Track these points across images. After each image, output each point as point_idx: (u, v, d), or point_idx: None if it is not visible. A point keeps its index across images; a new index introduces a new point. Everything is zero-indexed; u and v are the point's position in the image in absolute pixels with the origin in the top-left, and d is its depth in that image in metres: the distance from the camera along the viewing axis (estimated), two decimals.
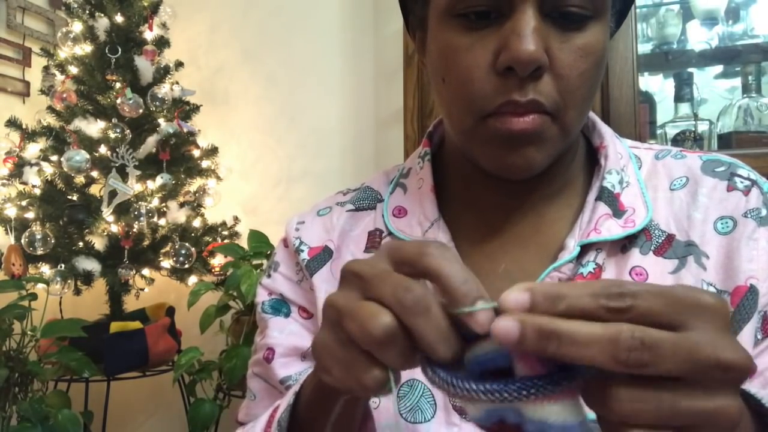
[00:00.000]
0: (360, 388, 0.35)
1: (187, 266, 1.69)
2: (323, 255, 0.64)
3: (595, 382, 0.30)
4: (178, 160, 1.78)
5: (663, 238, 0.56)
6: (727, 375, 0.29)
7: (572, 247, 0.55)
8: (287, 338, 0.63)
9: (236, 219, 1.92)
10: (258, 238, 1.60)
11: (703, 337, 0.29)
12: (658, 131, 1.58)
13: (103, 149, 1.63)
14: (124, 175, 1.64)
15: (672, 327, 0.30)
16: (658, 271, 0.54)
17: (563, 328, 0.30)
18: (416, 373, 0.35)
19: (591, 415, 0.32)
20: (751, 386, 0.50)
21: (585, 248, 0.55)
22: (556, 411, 0.31)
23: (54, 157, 1.62)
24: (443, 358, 0.33)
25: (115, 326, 1.58)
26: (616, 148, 0.61)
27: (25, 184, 1.59)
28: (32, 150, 1.63)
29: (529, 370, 0.31)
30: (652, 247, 0.55)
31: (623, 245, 0.56)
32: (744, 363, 0.30)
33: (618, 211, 0.56)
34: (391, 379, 0.35)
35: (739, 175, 0.57)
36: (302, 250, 0.65)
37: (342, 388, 0.37)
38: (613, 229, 0.55)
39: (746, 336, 0.51)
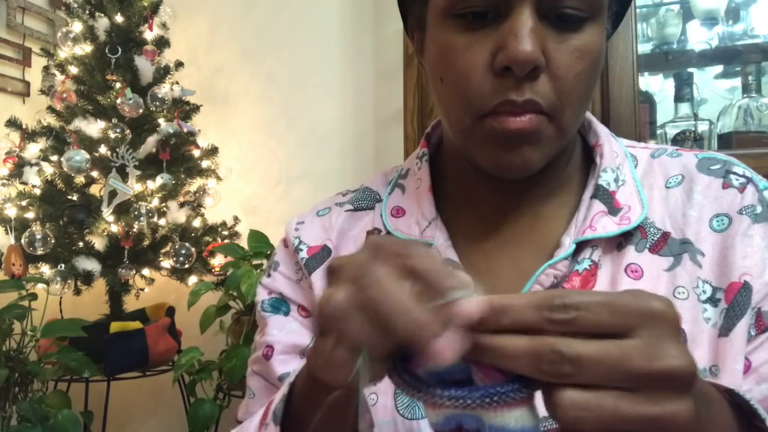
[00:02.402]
0: (329, 375, 0.35)
1: (187, 266, 1.69)
2: (322, 254, 0.64)
3: (545, 389, 0.31)
4: (178, 160, 1.78)
5: (658, 236, 0.56)
6: (668, 382, 0.30)
7: (567, 244, 0.55)
8: (286, 336, 0.64)
9: (236, 219, 1.92)
10: (258, 238, 1.61)
11: (641, 345, 0.30)
12: (658, 131, 1.58)
13: (103, 149, 1.63)
14: (124, 175, 1.64)
15: (617, 335, 0.30)
16: (653, 268, 0.54)
17: (493, 343, 0.31)
18: None
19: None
20: (745, 383, 0.50)
21: (581, 246, 0.55)
22: (516, 417, 0.32)
23: (54, 157, 1.62)
24: (401, 328, 0.32)
25: (115, 326, 1.58)
26: (612, 146, 0.61)
27: (25, 184, 1.59)
28: (32, 150, 1.63)
29: (487, 378, 0.32)
30: (648, 245, 0.56)
31: (619, 243, 0.56)
32: (684, 369, 0.30)
33: (613, 209, 0.57)
34: (360, 363, 0.34)
35: (735, 173, 0.57)
36: (301, 250, 0.65)
37: (327, 382, 0.37)
38: (608, 226, 0.55)
39: (739, 333, 0.51)
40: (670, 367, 0.30)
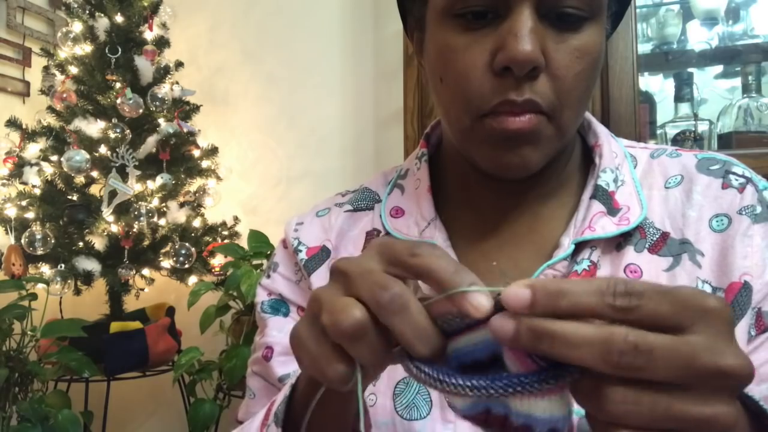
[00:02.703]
0: (324, 380, 0.36)
1: (187, 266, 1.69)
2: (321, 255, 0.64)
3: (588, 380, 0.30)
4: (178, 160, 1.78)
5: (658, 236, 0.56)
6: (726, 381, 0.29)
7: (567, 244, 0.55)
8: (286, 337, 0.63)
9: (236, 219, 1.92)
10: (258, 238, 1.60)
11: (704, 342, 0.29)
12: (658, 131, 1.58)
13: (103, 149, 1.63)
14: (124, 175, 1.64)
15: (675, 329, 0.29)
16: (652, 268, 0.54)
17: (557, 329, 0.29)
18: None
19: (580, 410, 0.32)
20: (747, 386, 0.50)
21: (580, 246, 0.55)
22: (543, 406, 0.31)
23: (54, 157, 1.62)
24: (422, 355, 0.33)
25: (115, 326, 1.58)
26: (611, 147, 0.61)
27: (25, 184, 1.59)
28: (32, 150, 1.63)
29: (518, 364, 0.31)
30: (647, 245, 0.55)
31: (618, 243, 0.56)
32: (744, 370, 0.29)
33: (612, 209, 0.57)
34: (357, 375, 0.35)
35: (734, 173, 0.57)
36: (300, 250, 0.65)
37: (314, 378, 0.37)
38: (607, 226, 0.55)
39: (740, 333, 0.51)
40: (732, 365, 0.29)
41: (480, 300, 0.31)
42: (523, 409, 0.31)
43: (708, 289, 0.53)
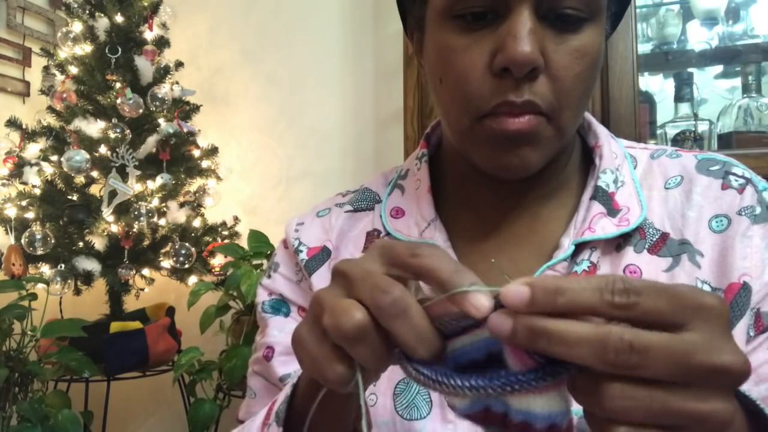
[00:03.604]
0: (324, 382, 0.36)
1: (187, 266, 1.69)
2: (322, 255, 0.64)
3: (586, 377, 0.30)
4: (178, 160, 1.78)
5: (657, 237, 0.56)
6: (722, 379, 0.29)
7: (567, 245, 0.55)
8: (287, 337, 0.64)
9: (236, 219, 1.92)
10: (258, 238, 1.61)
11: (700, 339, 0.29)
12: (658, 131, 1.58)
13: (103, 149, 1.63)
14: (124, 175, 1.64)
15: (672, 326, 0.29)
16: (652, 269, 0.55)
17: (553, 327, 0.30)
18: None
19: (579, 410, 0.32)
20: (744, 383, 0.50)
21: (580, 247, 0.56)
22: (541, 403, 0.31)
23: (54, 157, 1.62)
24: (421, 358, 0.33)
25: (115, 326, 1.58)
26: (611, 147, 0.61)
27: (25, 184, 1.59)
28: (32, 150, 1.63)
29: (517, 360, 0.32)
30: (647, 246, 0.56)
31: (618, 244, 0.56)
32: (741, 367, 0.29)
33: (612, 210, 0.57)
34: (358, 376, 0.35)
35: (734, 174, 0.57)
36: (301, 251, 0.65)
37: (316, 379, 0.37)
38: (607, 227, 0.55)
39: (739, 333, 0.52)
40: (729, 363, 0.29)
41: (480, 300, 0.32)
42: (522, 407, 0.32)
43: (707, 289, 0.53)
